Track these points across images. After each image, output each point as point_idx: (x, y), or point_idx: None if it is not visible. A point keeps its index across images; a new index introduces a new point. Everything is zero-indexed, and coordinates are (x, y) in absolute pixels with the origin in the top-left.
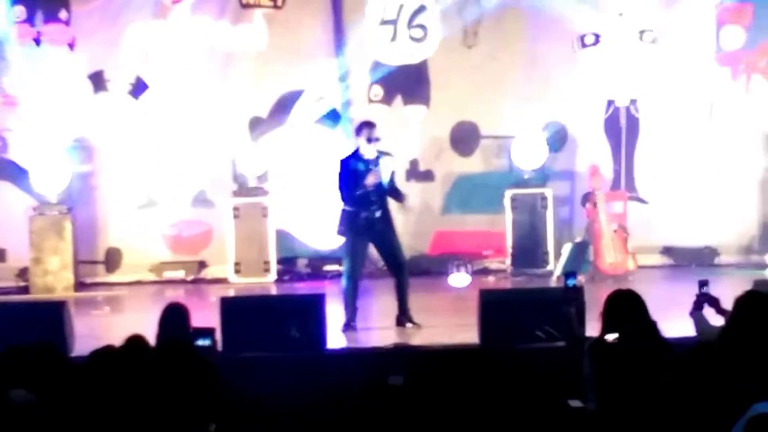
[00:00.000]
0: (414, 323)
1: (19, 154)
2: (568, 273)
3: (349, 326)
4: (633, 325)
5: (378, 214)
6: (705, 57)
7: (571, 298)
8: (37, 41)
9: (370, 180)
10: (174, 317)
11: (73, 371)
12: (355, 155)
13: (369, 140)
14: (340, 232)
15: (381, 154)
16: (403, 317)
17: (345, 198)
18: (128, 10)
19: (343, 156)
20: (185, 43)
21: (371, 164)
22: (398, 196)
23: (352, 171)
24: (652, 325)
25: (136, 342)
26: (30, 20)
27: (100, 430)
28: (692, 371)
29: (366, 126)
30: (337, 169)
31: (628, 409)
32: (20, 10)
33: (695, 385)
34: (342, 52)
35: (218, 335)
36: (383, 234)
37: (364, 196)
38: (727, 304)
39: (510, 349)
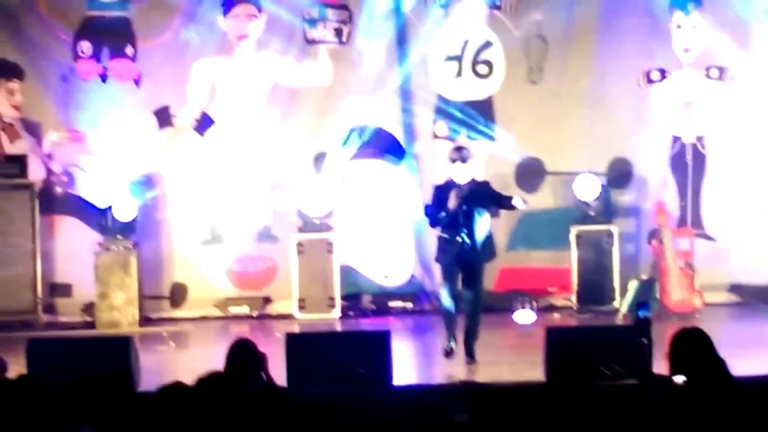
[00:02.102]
0: (472, 359)
1: (86, 190)
2: (641, 303)
3: (448, 352)
4: (700, 364)
5: (468, 240)
6: None
7: (643, 330)
8: (104, 77)
9: (451, 203)
10: (242, 352)
11: (141, 406)
12: (447, 182)
13: (452, 161)
14: (437, 259)
15: (474, 182)
16: (466, 352)
17: (430, 221)
18: (193, 46)
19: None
20: (250, 79)
21: (458, 188)
22: (507, 204)
23: (440, 196)
24: (721, 364)
25: (209, 379)
26: (96, 56)
27: None
28: (763, 410)
29: (453, 149)
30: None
31: None
32: (86, 46)
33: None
34: (407, 88)
35: (283, 371)
36: (470, 263)
37: (450, 220)
38: None
39: (576, 386)
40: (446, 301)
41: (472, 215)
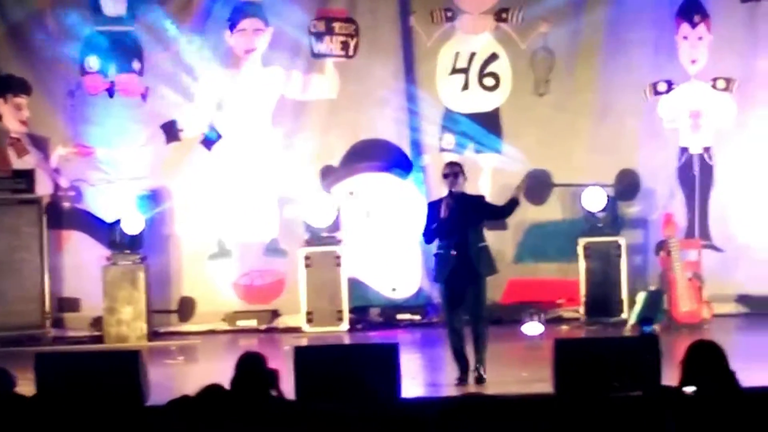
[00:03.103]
0: (481, 379)
1: (93, 204)
2: (644, 319)
3: (461, 380)
4: (713, 376)
5: (462, 255)
6: None
7: (649, 345)
8: (111, 92)
9: (442, 212)
10: (250, 365)
11: (150, 420)
12: (441, 198)
13: (444, 176)
14: (434, 279)
15: (465, 195)
16: (477, 371)
17: (424, 235)
18: (200, 61)
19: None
20: (257, 93)
21: (448, 198)
22: (513, 205)
23: (434, 212)
24: (732, 377)
25: (213, 390)
26: (103, 71)
27: None
28: None
29: (445, 165)
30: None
31: None
32: (93, 61)
33: None
34: (413, 101)
35: (292, 384)
36: (468, 280)
37: (441, 233)
38: None
39: (585, 398)
40: (451, 336)
41: (463, 229)
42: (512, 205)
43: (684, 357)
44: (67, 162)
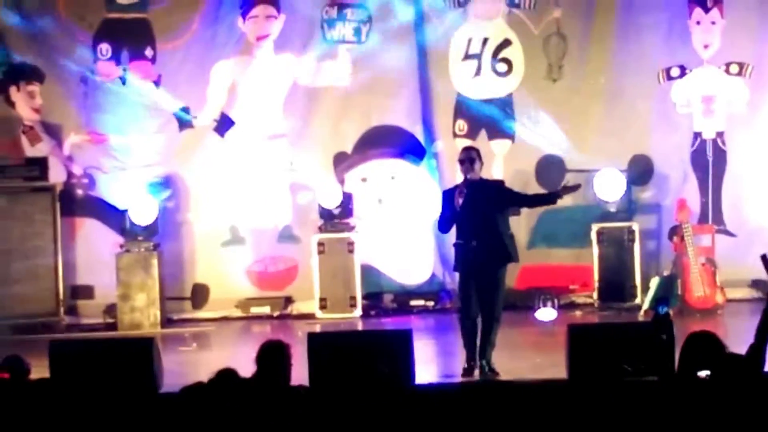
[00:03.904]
0: (491, 371)
1: (107, 192)
2: (660, 299)
3: (468, 370)
4: (712, 366)
5: (479, 247)
6: None
7: (663, 326)
8: (123, 79)
9: (456, 201)
10: (274, 355)
11: (164, 406)
12: (456, 185)
13: (460, 162)
14: (454, 268)
15: (483, 181)
16: (486, 367)
17: (438, 224)
18: (213, 48)
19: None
20: (270, 80)
21: (462, 186)
22: (548, 199)
23: (449, 199)
24: (738, 360)
25: (227, 375)
26: (116, 58)
27: None
28: None
29: (461, 150)
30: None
31: None
32: (106, 48)
33: None
34: (426, 87)
35: (305, 370)
36: (486, 268)
37: (457, 222)
38: None
39: (599, 384)
40: (464, 322)
41: (481, 217)
42: (549, 198)
43: (681, 349)
44: (80, 149)
